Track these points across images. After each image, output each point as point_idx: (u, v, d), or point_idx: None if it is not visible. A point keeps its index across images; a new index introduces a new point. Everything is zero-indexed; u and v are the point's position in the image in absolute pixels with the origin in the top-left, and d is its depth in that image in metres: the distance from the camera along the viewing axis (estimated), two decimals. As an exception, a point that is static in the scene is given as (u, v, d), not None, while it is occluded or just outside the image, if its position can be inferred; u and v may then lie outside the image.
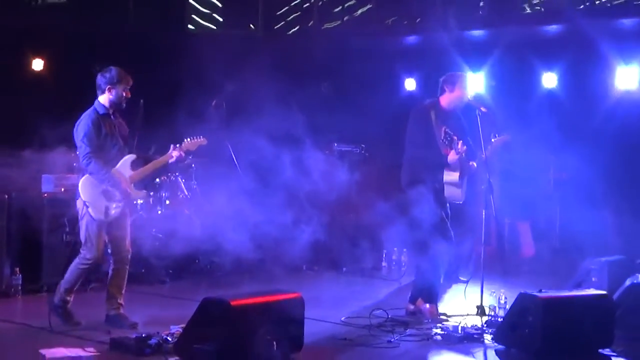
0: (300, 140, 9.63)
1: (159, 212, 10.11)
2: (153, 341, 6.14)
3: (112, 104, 7.22)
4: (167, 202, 10.22)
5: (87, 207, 7.01)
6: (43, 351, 5.99)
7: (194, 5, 15.38)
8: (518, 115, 12.00)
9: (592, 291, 7.08)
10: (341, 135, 11.91)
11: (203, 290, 8.95)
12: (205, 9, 15.54)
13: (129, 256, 7.45)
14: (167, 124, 10.08)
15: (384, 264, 11.41)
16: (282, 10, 15.40)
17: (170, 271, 9.84)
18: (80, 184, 7.10)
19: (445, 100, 7.82)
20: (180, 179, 10.40)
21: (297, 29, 15.18)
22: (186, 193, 10.42)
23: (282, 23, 15.38)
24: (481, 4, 13.46)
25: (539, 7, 13.28)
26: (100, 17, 13.27)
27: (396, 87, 13.65)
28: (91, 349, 6.14)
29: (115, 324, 7.11)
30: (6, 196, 8.39)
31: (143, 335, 6.24)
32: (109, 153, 7.17)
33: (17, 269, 8.46)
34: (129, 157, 7.29)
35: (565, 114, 12.30)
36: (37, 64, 12.44)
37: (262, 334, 5.76)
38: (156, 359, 5.95)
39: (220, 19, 15.72)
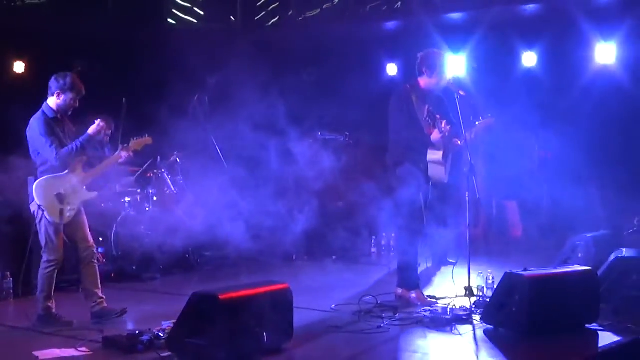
0: (284, 130, 9.67)
1: (147, 209, 10.14)
2: (145, 337, 6.17)
3: (59, 109, 7.28)
4: (155, 198, 10.27)
5: (43, 210, 7.10)
6: (36, 353, 6.08)
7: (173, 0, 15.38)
8: (500, 95, 12.08)
9: (577, 267, 7.14)
10: (325, 123, 11.94)
11: (194, 285, 9.02)
12: (186, 2, 15.53)
13: (95, 251, 7.52)
14: (150, 120, 10.13)
15: (373, 249, 11.51)
16: (262, 1, 15.39)
17: (161, 267, 9.90)
18: (34, 188, 7.14)
19: (424, 82, 7.89)
20: (166, 175, 10.44)
21: (277, 19, 15.18)
22: (173, 189, 10.46)
23: (262, 14, 15.38)
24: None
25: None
26: (79, 15, 13.24)
27: (378, 72, 13.69)
28: (84, 349, 6.22)
29: (102, 318, 7.21)
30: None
31: (135, 332, 6.29)
32: None
33: (8, 273, 8.51)
34: (80, 160, 7.39)
35: (545, 92, 12.40)
36: (19, 67, 12.42)
37: (251, 325, 5.82)
38: (149, 355, 5.98)
39: (201, 12, 15.71)
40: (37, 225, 7.23)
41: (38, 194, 7.11)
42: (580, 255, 8.85)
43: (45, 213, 7.10)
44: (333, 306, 7.70)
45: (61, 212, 7.13)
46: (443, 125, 7.57)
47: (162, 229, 9.86)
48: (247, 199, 9.54)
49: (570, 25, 11.64)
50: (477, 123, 10.08)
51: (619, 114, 11.74)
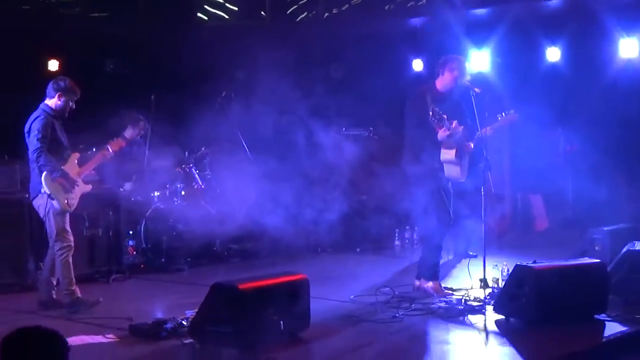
0: (311, 124, 9.90)
1: (176, 203, 10.43)
2: (169, 325, 6.46)
3: (59, 109, 7.72)
4: (183, 193, 10.55)
5: (53, 199, 7.51)
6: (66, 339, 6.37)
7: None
8: (524, 90, 12.21)
9: (586, 260, 7.32)
10: (351, 119, 12.14)
11: (220, 276, 9.23)
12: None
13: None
14: (178, 116, 10.44)
15: (397, 242, 11.70)
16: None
17: (189, 259, 10.19)
18: (43, 178, 7.51)
19: (440, 82, 8.08)
20: (194, 170, 10.72)
21: (305, 15, 15.40)
22: (200, 183, 10.74)
23: (291, 9, 15.59)
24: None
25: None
26: (111, 13, 13.57)
27: (404, 68, 13.84)
28: (111, 336, 6.53)
29: (76, 308, 7.58)
30: (26, 195, 8.72)
31: (159, 320, 6.58)
32: (59, 152, 7.71)
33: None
34: (75, 155, 7.89)
35: (570, 87, 12.48)
36: (53, 65, 12.76)
37: (269, 314, 6.10)
38: (172, 342, 6.27)
39: (234, 8, 15.97)
40: (45, 218, 7.62)
41: (47, 184, 7.49)
42: (597, 248, 8.99)
43: (55, 202, 7.52)
44: (352, 297, 7.94)
45: (67, 201, 7.61)
46: (454, 125, 7.74)
47: (190, 222, 10.18)
48: (273, 193, 9.80)
49: (593, 20, 11.71)
50: (499, 118, 10.21)
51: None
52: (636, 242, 7.82)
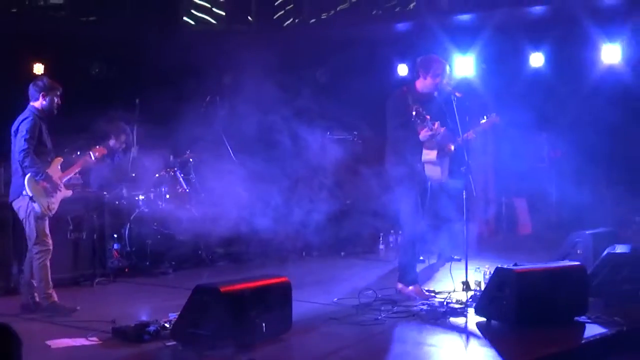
0: (295, 129, 9.94)
1: (160, 206, 10.45)
2: (152, 328, 6.47)
3: (45, 110, 7.69)
4: (167, 196, 10.57)
5: (34, 202, 7.50)
6: (49, 342, 6.40)
7: (192, 1, 15.70)
8: (508, 95, 12.31)
9: (567, 262, 7.39)
10: (335, 123, 12.19)
11: (204, 280, 9.27)
12: (205, 2, 15.84)
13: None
14: (163, 119, 10.46)
15: (381, 246, 11.76)
16: (277, 2, 15.68)
17: (173, 263, 10.20)
18: (26, 181, 7.49)
19: (420, 84, 8.12)
20: (179, 174, 10.75)
21: (291, 21, 15.47)
22: (185, 187, 10.76)
23: (278, 15, 15.66)
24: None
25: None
26: (98, 17, 13.59)
27: (389, 73, 13.91)
28: (94, 338, 6.54)
29: (56, 312, 7.55)
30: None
31: (142, 323, 6.59)
32: (44, 155, 7.69)
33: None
34: (58, 160, 7.87)
35: (553, 92, 12.59)
36: (38, 69, 12.77)
37: (251, 317, 6.12)
38: (155, 345, 6.28)
39: (222, 13, 16.03)
40: (25, 220, 7.60)
41: (29, 186, 7.48)
42: (579, 251, 9.06)
43: (36, 205, 7.50)
44: (335, 299, 7.97)
45: (49, 205, 7.60)
46: (436, 126, 7.80)
47: (174, 226, 10.21)
48: (258, 197, 9.84)
49: (576, 27, 11.84)
50: (481, 121, 10.28)
51: (625, 113, 11.93)
52: (617, 245, 7.89)
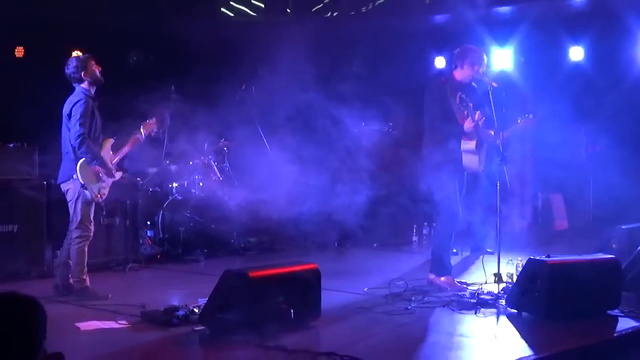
0: (332, 120, 9.92)
1: (194, 194, 10.48)
2: (180, 312, 6.49)
3: (92, 83, 7.62)
4: (201, 184, 10.60)
5: (85, 189, 7.48)
6: (78, 324, 6.44)
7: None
8: (547, 89, 12.18)
9: (600, 255, 7.29)
10: (373, 114, 12.15)
11: (236, 268, 9.30)
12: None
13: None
14: (198, 108, 10.48)
15: (415, 238, 11.71)
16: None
17: (205, 251, 10.23)
18: (78, 167, 7.48)
19: (458, 74, 8.06)
20: (212, 162, 10.77)
21: (329, 14, 15.44)
22: (219, 175, 10.78)
23: (316, 7, 15.62)
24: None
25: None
26: (133, 9, 13.64)
27: (426, 65, 13.83)
28: (123, 322, 6.58)
29: (84, 296, 7.55)
30: (44, 183, 8.80)
31: (171, 307, 6.62)
32: (96, 137, 7.68)
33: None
34: (109, 141, 7.84)
35: (593, 86, 12.43)
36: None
37: (280, 303, 6.10)
38: (183, 329, 6.30)
39: (260, 4, 16.03)
40: (72, 203, 7.58)
41: (82, 173, 7.46)
42: (613, 246, 8.93)
43: (87, 192, 7.49)
44: (365, 289, 7.94)
45: (100, 191, 7.59)
46: (477, 115, 7.74)
47: (207, 214, 10.24)
48: (292, 187, 9.83)
49: (616, 20, 11.68)
50: (518, 121, 10.19)
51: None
52: (653, 240, 7.78)
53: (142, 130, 8.10)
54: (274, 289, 6.13)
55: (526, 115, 10.27)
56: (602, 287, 6.73)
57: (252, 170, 10.58)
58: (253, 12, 15.96)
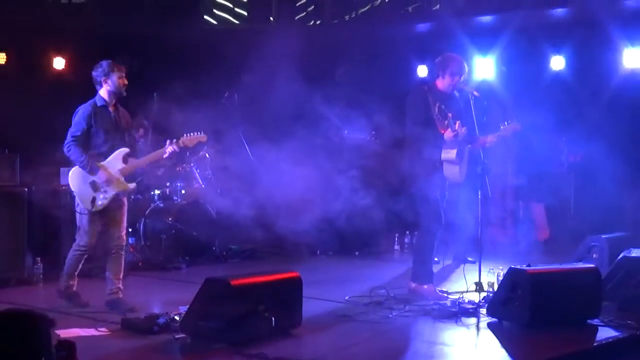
0: (313, 128, 9.92)
1: (175, 201, 10.46)
2: (161, 320, 6.47)
3: (112, 94, 7.42)
4: (183, 192, 10.58)
5: (75, 198, 7.41)
6: (58, 331, 6.37)
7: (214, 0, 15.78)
8: (528, 98, 12.22)
9: (580, 265, 7.33)
10: (354, 122, 12.16)
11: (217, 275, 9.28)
12: (227, 2, 15.90)
13: (124, 244, 7.72)
14: (181, 115, 10.46)
15: (396, 247, 11.72)
16: (299, 3, 15.70)
17: (187, 258, 10.21)
18: (69, 176, 7.42)
19: (440, 83, 8.08)
20: (195, 169, 10.75)
21: (312, 23, 15.50)
22: (201, 183, 10.77)
23: (300, 15, 15.68)
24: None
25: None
26: (119, 15, 13.65)
27: (408, 74, 13.85)
28: (103, 329, 6.55)
29: (112, 308, 7.35)
30: (25, 189, 8.77)
31: (152, 315, 6.60)
32: (97, 147, 7.42)
33: (39, 259, 8.82)
34: (121, 151, 7.49)
35: (574, 95, 12.48)
36: (59, 63, 12.83)
37: (261, 310, 6.10)
38: (164, 337, 6.28)
39: (243, 12, 16.08)
40: (75, 211, 7.49)
41: (72, 181, 7.40)
42: (594, 255, 8.99)
43: (77, 200, 7.38)
44: (346, 297, 7.94)
45: (93, 200, 7.30)
46: (457, 125, 7.75)
47: (189, 221, 10.22)
48: (273, 195, 9.82)
49: (598, 30, 11.73)
50: (502, 127, 10.21)
51: (646, 118, 11.84)
52: (633, 249, 7.82)
53: (167, 149, 7.65)
54: (255, 296, 6.14)
55: (510, 122, 10.29)
56: (583, 297, 6.76)
57: (234, 178, 10.57)
58: (236, 20, 16.02)
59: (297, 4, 15.71)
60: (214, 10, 15.92)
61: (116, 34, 12.67)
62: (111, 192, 7.41)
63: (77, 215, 7.45)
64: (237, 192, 10.26)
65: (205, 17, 15.60)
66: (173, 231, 10.12)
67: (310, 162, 10.03)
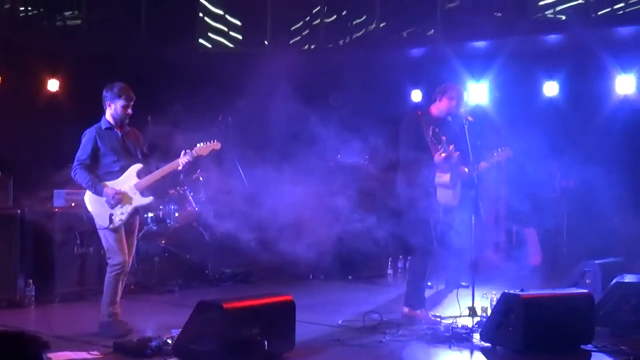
0: (308, 151, 9.93)
1: (169, 224, 10.45)
2: (154, 343, 6.45)
3: (114, 119, 7.44)
4: (176, 214, 10.57)
5: (93, 218, 7.36)
6: (50, 355, 6.35)
7: (209, 23, 15.83)
8: (522, 123, 12.25)
9: (573, 290, 7.34)
10: (349, 146, 12.17)
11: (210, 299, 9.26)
12: (222, 25, 15.95)
13: (129, 267, 7.66)
14: (174, 137, 10.47)
15: (389, 271, 11.71)
16: (294, 28, 15.76)
17: (180, 281, 10.19)
18: (85, 197, 7.40)
19: (435, 108, 8.13)
20: (188, 192, 10.74)
21: (307, 46, 15.55)
22: (194, 206, 10.76)
23: (294, 40, 15.73)
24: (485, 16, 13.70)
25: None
26: (114, 37, 13.69)
27: (402, 98, 13.90)
28: (95, 352, 6.51)
29: (109, 331, 7.24)
30: (18, 211, 8.77)
31: (145, 338, 6.57)
32: (107, 167, 7.40)
33: (31, 281, 8.79)
34: (135, 167, 7.47)
35: (567, 121, 12.53)
36: (53, 85, 12.84)
37: (254, 334, 6.09)
38: (156, 360, 6.26)
39: (238, 36, 16.14)
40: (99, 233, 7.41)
41: (89, 203, 7.36)
42: (587, 281, 8.99)
43: (96, 220, 7.33)
44: (340, 321, 7.92)
45: (111, 217, 7.26)
46: (450, 148, 7.77)
47: (182, 244, 10.21)
48: (267, 218, 9.81)
49: (590, 56, 11.80)
50: (495, 153, 10.21)
51: (638, 144, 11.87)
52: (626, 275, 7.82)
53: (195, 150, 7.69)
54: (248, 320, 6.12)
55: (503, 148, 10.30)
56: (576, 322, 6.76)
57: (228, 201, 10.55)
58: (231, 43, 16.07)
59: (292, 28, 15.76)
60: (209, 34, 15.95)
61: (111, 56, 12.69)
62: (128, 207, 7.38)
63: (101, 234, 7.35)
64: (231, 215, 10.24)
65: (200, 40, 15.63)
66: (166, 254, 10.11)
67: (304, 186, 10.02)
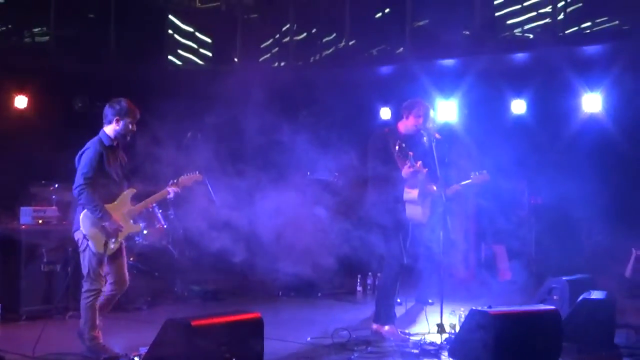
0: (276, 169, 9.93)
1: (137, 242, 10.38)
2: (121, 361, 6.42)
3: (118, 135, 7.21)
4: (145, 232, 10.50)
5: (87, 240, 7.05)
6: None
7: (179, 41, 15.83)
8: (490, 141, 12.33)
9: (540, 306, 7.38)
10: (318, 164, 12.18)
11: (179, 316, 9.20)
12: (193, 43, 15.96)
13: (127, 284, 7.56)
14: (144, 155, 10.42)
15: (359, 288, 11.71)
16: (263, 45, 15.80)
17: (148, 299, 10.11)
18: (81, 217, 7.06)
19: (402, 125, 8.17)
20: (157, 209, 10.69)
21: (277, 64, 15.60)
22: (163, 223, 10.70)
23: (265, 57, 15.78)
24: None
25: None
26: (83, 53, 13.64)
27: (372, 116, 13.95)
28: (63, 371, 6.46)
29: (93, 354, 7.14)
30: (18, 222, 8.70)
31: (112, 356, 6.53)
32: (110, 186, 7.20)
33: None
34: (130, 192, 7.36)
35: (535, 139, 12.64)
36: (21, 102, 12.76)
37: (222, 352, 6.06)
38: (124, 378, 6.23)
39: (208, 53, 16.15)
40: (81, 254, 7.18)
41: (84, 223, 7.05)
42: (555, 297, 9.03)
43: (90, 243, 7.06)
44: (308, 339, 7.91)
45: (106, 244, 7.09)
46: (418, 165, 7.81)
47: (151, 262, 10.15)
48: (236, 236, 9.78)
49: (558, 75, 11.94)
50: (472, 176, 10.22)
51: (605, 162, 11.98)
52: (592, 292, 7.89)
53: (171, 189, 7.69)
54: (216, 338, 6.10)
55: (481, 172, 10.32)
56: (543, 338, 6.81)
57: (197, 219, 10.51)
58: (201, 60, 16.08)
59: (262, 46, 15.80)
60: (179, 51, 15.95)
61: (79, 73, 12.64)
62: (122, 235, 7.25)
63: (87, 257, 7.11)
64: (199, 232, 10.19)
65: (170, 57, 15.63)
66: (134, 271, 9.99)
67: (273, 203, 10.02)
